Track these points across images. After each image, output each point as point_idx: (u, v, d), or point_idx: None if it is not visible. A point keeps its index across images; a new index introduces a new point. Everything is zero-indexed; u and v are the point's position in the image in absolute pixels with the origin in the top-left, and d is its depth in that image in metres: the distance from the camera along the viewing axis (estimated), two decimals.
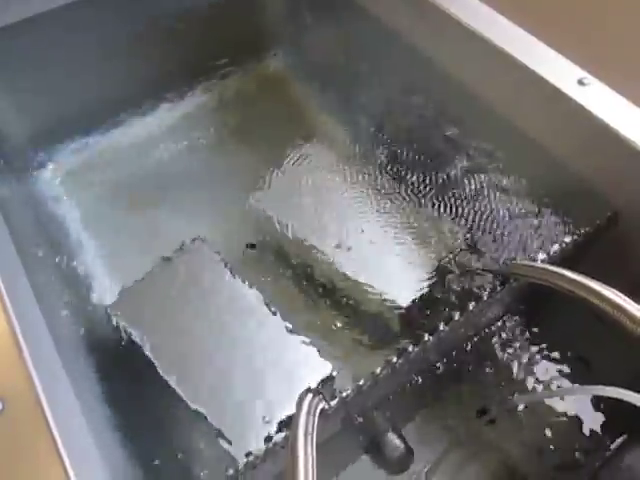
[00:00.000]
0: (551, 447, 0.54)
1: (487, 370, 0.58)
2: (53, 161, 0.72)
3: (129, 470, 0.42)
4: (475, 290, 0.48)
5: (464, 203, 0.56)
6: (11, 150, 0.67)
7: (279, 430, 0.42)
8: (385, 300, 0.52)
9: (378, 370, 0.43)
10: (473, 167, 0.57)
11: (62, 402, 0.36)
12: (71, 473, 0.33)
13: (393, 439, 0.54)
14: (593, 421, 0.55)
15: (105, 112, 0.73)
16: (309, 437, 0.34)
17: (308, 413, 0.37)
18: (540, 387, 0.57)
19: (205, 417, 0.44)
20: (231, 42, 0.78)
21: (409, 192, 0.58)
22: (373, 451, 0.54)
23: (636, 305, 0.36)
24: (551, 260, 0.47)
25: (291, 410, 0.41)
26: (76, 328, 0.51)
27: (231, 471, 0.38)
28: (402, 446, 0.54)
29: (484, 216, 0.54)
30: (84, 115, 0.71)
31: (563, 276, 0.40)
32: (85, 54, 0.67)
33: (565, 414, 0.56)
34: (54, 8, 0.61)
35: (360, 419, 0.52)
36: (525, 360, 0.59)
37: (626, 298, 0.37)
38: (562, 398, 0.56)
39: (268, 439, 0.40)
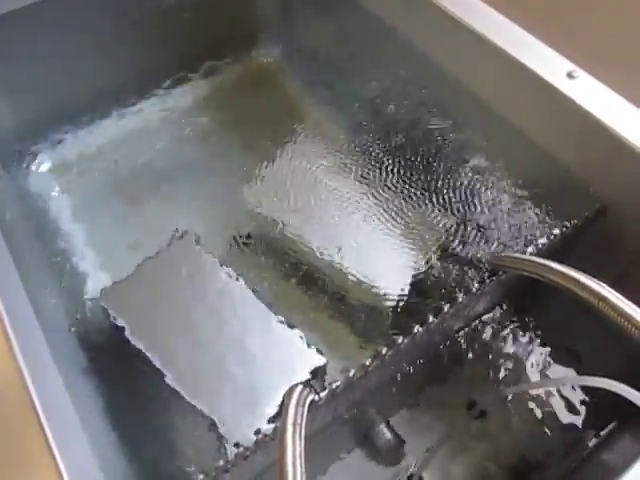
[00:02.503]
0: (541, 435, 0.55)
1: (477, 362, 0.58)
2: (43, 154, 0.71)
3: (120, 460, 0.42)
4: (464, 282, 0.48)
5: (453, 195, 0.56)
6: (1, 143, 0.66)
7: (269, 422, 0.42)
8: (376, 292, 0.52)
9: (368, 362, 0.43)
10: (463, 159, 0.58)
11: (52, 394, 0.36)
12: (61, 466, 0.33)
13: (384, 431, 0.54)
14: (583, 409, 0.56)
15: (96, 105, 0.73)
16: (298, 428, 0.35)
17: (297, 404, 0.37)
18: (530, 378, 0.58)
19: (195, 408, 0.44)
20: (223, 34, 0.78)
21: (400, 184, 0.58)
22: (364, 443, 0.55)
23: (621, 297, 0.37)
24: (539, 252, 0.47)
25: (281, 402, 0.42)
26: (66, 320, 0.51)
27: (221, 462, 0.38)
28: (393, 438, 0.54)
29: (473, 208, 0.54)
30: (75, 108, 0.71)
31: (550, 268, 0.41)
32: (75, 46, 0.66)
33: (555, 403, 0.56)
34: None
35: (351, 411, 0.53)
36: (515, 351, 0.59)
37: (611, 290, 0.37)
38: (552, 388, 0.57)
39: (258, 431, 0.40)
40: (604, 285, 0.38)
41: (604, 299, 0.36)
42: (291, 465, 0.32)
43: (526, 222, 0.51)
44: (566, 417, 0.56)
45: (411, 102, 0.63)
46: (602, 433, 0.54)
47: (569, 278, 0.39)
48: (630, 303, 0.36)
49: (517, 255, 0.46)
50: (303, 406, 0.37)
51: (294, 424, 0.35)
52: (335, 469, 0.54)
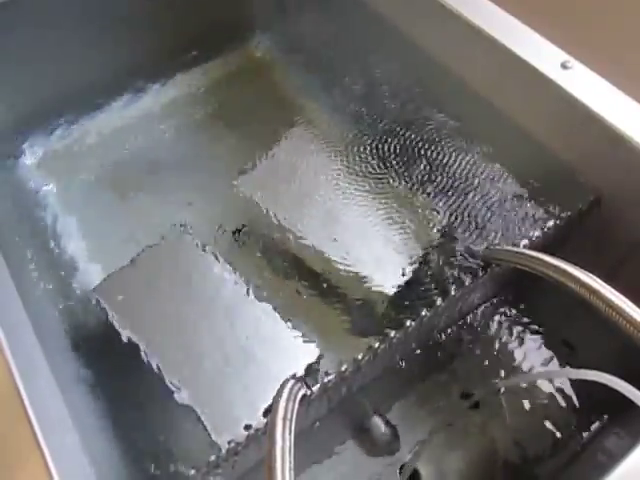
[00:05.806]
0: (534, 428, 0.55)
1: (471, 354, 0.58)
2: (36, 147, 0.71)
3: (111, 457, 0.42)
4: (457, 275, 0.48)
5: (447, 188, 0.55)
6: None
7: (262, 416, 0.42)
8: (369, 286, 0.52)
9: (360, 356, 0.43)
10: (456, 151, 0.57)
11: (42, 391, 0.36)
12: (51, 463, 0.33)
13: (378, 422, 0.55)
14: (575, 402, 0.56)
15: (88, 97, 0.72)
16: (287, 423, 0.35)
17: (288, 399, 0.37)
18: (524, 370, 0.58)
19: (188, 403, 0.44)
20: (216, 25, 0.77)
21: (393, 177, 0.57)
22: (358, 435, 0.55)
23: (613, 290, 0.36)
24: (533, 245, 0.47)
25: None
26: (58, 314, 0.51)
27: (212, 457, 0.38)
28: (388, 430, 0.54)
29: (467, 201, 0.54)
30: (67, 100, 0.70)
31: (542, 261, 0.41)
32: (67, 37, 0.66)
33: (548, 396, 0.56)
34: None
35: (344, 404, 0.53)
36: (509, 344, 0.59)
37: (603, 283, 0.37)
38: (545, 380, 0.57)
39: (249, 425, 0.40)
40: (596, 278, 0.37)
41: (596, 292, 0.36)
42: (280, 461, 0.32)
43: (519, 214, 0.51)
44: (559, 409, 0.56)
45: (404, 94, 0.62)
46: (594, 425, 0.55)
47: (561, 271, 0.39)
48: (622, 296, 0.36)
49: (510, 248, 0.46)
50: (294, 401, 0.37)
51: (284, 419, 0.35)
52: (330, 461, 0.54)
